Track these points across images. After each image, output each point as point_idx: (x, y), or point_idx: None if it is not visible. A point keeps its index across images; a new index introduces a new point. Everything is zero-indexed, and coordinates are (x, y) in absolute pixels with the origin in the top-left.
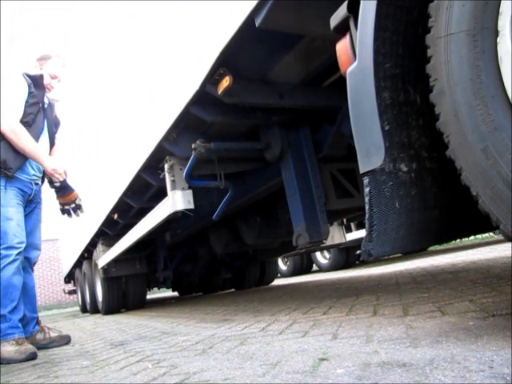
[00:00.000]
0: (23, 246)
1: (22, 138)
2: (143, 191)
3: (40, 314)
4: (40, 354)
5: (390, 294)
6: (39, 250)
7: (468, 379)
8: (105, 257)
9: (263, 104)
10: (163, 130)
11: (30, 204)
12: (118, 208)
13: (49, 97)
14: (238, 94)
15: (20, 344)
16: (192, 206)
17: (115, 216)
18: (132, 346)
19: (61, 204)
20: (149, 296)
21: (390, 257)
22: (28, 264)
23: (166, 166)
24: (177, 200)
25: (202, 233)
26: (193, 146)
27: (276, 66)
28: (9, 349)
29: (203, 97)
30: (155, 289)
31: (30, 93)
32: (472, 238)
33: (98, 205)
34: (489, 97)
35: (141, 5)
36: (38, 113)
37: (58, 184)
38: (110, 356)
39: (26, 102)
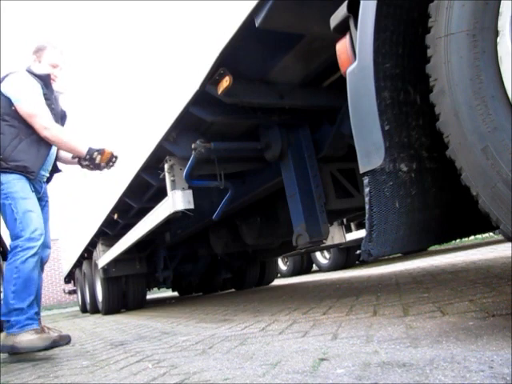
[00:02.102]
0: (43, 238)
1: (63, 138)
2: (143, 191)
3: (40, 314)
4: (40, 354)
5: (390, 293)
6: (50, 248)
7: (468, 379)
8: (105, 257)
9: (263, 104)
10: (163, 129)
11: (40, 202)
12: (118, 208)
13: (54, 89)
14: (238, 94)
15: (40, 332)
16: (192, 206)
17: (115, 216)
18: (132, 346)
19: (102, 167)
20: (149, 296)
21: (390, 257)
22: (40, 263)
23: (166, 166)
24: (177, 200)
25: (202, 233)
26: (193, 145)
27: (276, 66)
28: (30, 337)
29: (203, 97)
30: (155, 289)
31: (44, 94)
32: (472, 237)
33: (98, 205)
34: (489, 97)
35: (141, 5)
36: (51, 114)
37: (86, 162)
38: (110, 356)
39: None
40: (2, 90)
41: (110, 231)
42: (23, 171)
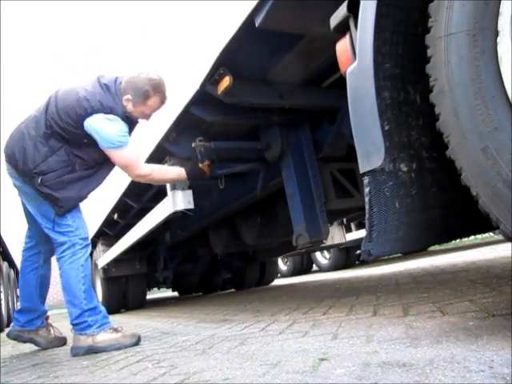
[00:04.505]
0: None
1: (156, 178)
2: (143, 191)
3: None
4: (40, 353)
5: (390, 294)
6: None
7: (468, 379)
8: (105, 257)
9: (263, 104)
10: (163, 130)
11: None
12: (118, 208)
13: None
14: (238, 94)
15: (120, 331)
16: (192, 206)
17: (115, 216)
18: (132, 346)
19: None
20: (149, 296)
21: (390, 257)
22: (50, 256)
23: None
24: (177, 200)
25: (202, 233)
26: (193, 144)
27: (276, 66)
28: (112, 336)
29: (203, 97)
30: (155, 289)
31: None
32: (472, 237)
33: (98, 205)
34: (489, 97)
35: (141, 5)
36: None
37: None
38: (109, 356)
39: None
40: (87, 125)
41: (110, 231)
42: (52, 202)
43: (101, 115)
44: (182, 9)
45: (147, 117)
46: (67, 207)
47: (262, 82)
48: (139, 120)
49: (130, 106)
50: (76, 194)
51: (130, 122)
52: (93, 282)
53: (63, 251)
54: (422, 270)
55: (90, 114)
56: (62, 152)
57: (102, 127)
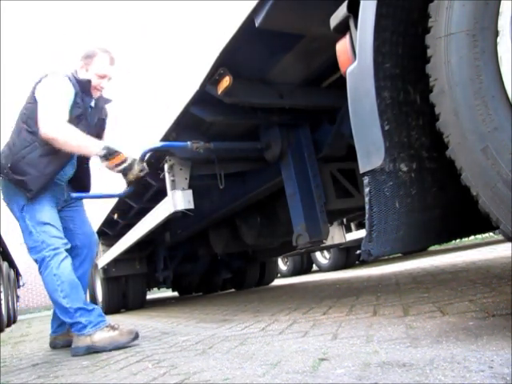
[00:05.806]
0: (68, 245)
1: (65, 144)
2: (143, 191)
3: (40, 314)
4: (40, 354)
5: (389, 294)
6: (95, 234)
7: (468, 379)
8: (105, 257)
9: (263, 104)
10: (163, 130)
11: (67, 207)
12: (118, 208)
13: (103, 97)
14: (238, 94)
15: (117, 328)
16: (192, 206)
17: (115, 216)
18: (132, 346)
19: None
20: (149, 296)
21: (390, 257)
22: (91, 255)
23: (166, 166)
24: (177, 200)
25: (202, 233)
26: (188, 143)
27: (276, 66)
28: (110, 334)
29: (203, 97)
30: (155, 289)
31: (75, 103)
32: (472, 237)
33: (98, 205)
34: (489, 97)
35: (141, 5)
36: (79, 124)
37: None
38: (109, 356)
39: (70, 112)
40: (35, 93)
41: (110, 231)
42: (22, 187)
43: (49, 76)
44: (182, 9)
45: (101, 78)
46: (36, 189)
47: (261, 82)
48: (98, 87)
49: (83, 72)
50: (41, 172)
51: (82, 88)
52: (93, 282)
53: (39, 268)
54: (422, 269)
55: (40, 81)
56: (22, 134)
57: (44, 80)
